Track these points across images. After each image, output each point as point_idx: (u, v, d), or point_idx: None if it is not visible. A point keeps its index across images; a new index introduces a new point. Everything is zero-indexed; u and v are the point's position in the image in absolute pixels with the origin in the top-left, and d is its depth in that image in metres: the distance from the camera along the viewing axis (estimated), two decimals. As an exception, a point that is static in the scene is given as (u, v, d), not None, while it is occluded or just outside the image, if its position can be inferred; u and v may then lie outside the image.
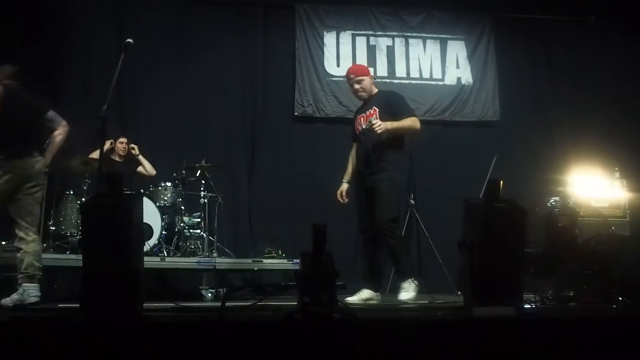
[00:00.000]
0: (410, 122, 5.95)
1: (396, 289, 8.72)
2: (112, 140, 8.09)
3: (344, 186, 6.38)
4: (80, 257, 3.62)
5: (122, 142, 8.24)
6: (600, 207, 7.08)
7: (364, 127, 6.06)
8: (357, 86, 6.12)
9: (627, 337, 3.52)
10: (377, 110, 5.97)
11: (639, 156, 8.90)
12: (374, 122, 5.77)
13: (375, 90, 6.22)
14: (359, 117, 6.25)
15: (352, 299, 5.81)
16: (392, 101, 6.06)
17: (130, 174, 7.92)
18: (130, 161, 8.22)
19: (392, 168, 6.00)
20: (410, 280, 5.97)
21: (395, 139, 5.98)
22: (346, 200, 6.35)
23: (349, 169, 6.43)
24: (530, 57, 10.28)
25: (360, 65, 6.23)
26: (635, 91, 9.97)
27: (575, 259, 5.38)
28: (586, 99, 9.83)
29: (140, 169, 8.19)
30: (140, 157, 8.18)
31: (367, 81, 6.15)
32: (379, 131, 5.75)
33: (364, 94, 6.16)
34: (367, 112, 6.05)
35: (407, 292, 5.90)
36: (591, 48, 10.00)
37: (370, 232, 6.10)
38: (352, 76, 6.20)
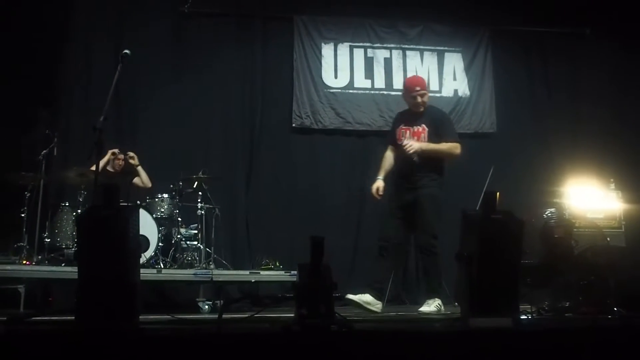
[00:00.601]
0: (449, 147, 6.00)
1: (395, 300, 8.80)
2: (114, 151, 8.06)
3: (380, 183, 6.33)
4: (75, 269, 3.62)
5: (114, 154, 8.17)
6: (596, 219, 7.10)
7: (404, 142, 6.07)
8: (420, 100, 6.12)
9: (624, 347, 3.52)
10: (427, 130, 6.02)
11: (634, 168, 8.92)
12: (405, 143, 5.89)
13: (427, 105, 6.22)
14: (403, 127, 6.25)
15: (352, 297, 5.78)
16: (442, 123, 6.09)
17: (126, 185, 7.88)
18: (127, 172, 8.19)
19: (434, 184, 6.04)
20: (437, 299, 5.93)
21: (433, 159, 5.98)
22: (381, 195, 6.29)
23: (385, 166, 6.40)
24: (527, 69, 10.30)
25: (422, 78, 6.22)
26: (631, 103, 10.01)
27: (572, 270, 5.40)
28: (583, 111, 9.86)
29: (136, 180, 8.14)
30: (139, 168, 8.15)
31: (427, 96, 6.18)
32: (410, 151, 5.82)
33: (422, 108, 6.14)
34: (415, 129, 6.11)
35: (429, 307, 5.91)
36: (588, 60, 10.03)
37: (394, 242, 6.01)
38: (418, 88, 6.19)
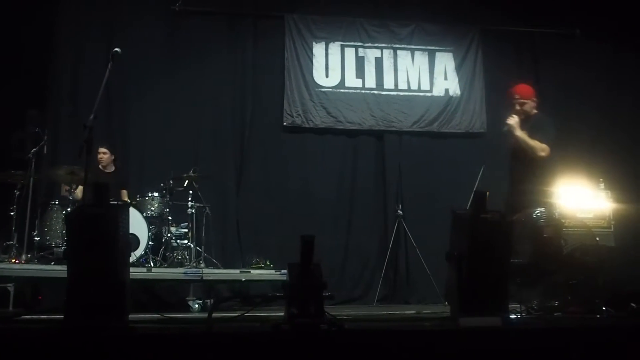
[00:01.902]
0: (537, 144, 5.89)
1: (385, 300, 8.83)
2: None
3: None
4: (65, 268, 3.61)
5: (103, 152, 8.12)
6: (585, 218, 7.12)
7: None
8: (518, 107, 6.11)
9: (612, 347, 3.54)
10: (526, 134, 6.01)
11: (624, 167, 8.98)
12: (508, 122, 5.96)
13: (534, 112, 6.18)
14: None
15: None
16: (540, 125, 6.06)
17: (117, 185, 7.85)
18: (117, 175, 8.14)
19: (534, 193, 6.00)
20: None
21: (545, 169, 5.97)
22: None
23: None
24: (518, 68, 10.32)
25: (528, 87, 6.21)
26: (620, 103, 10.07)
27: (561, 270, 5.42)
28: (573, 111, 9.89)
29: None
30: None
31: (529, 105, 6.12)
32: (506, 126, 5.96)
33: (522, 116, 6.15)
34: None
35: None
36: (578, 60, 10.07)
37: None
38: (517, 96, 6.16)
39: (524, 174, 5.92)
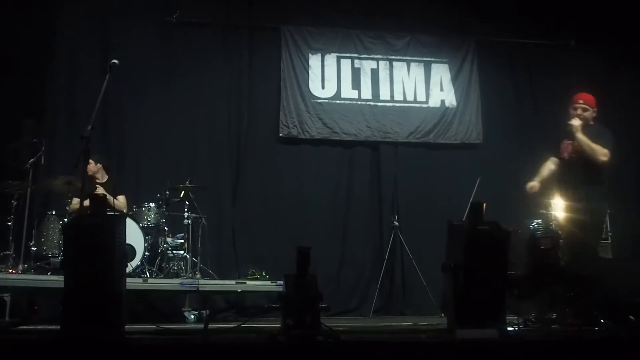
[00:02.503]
0: (599, 149, 5.95)
1: (381, 311, 8.81)
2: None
3: (535, 183, 6.34)
4: (61, 278, 3.60)
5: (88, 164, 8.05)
6: (582, 230, 7.12)
7: (567, 156, 6.18)
8: (579, 112, 6.15)
9: (610, 359, 3.54)
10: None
11: (620, 179, 8.98)
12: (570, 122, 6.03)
13: (591, 123, 6.22)
14: (566, 142, 6.27)
15: None
16: (601, 133, 6.12)
17: (112, 192, 7.81)
18: (111, 183, 8.10)
19: (599, 199, 6.00)
20: None
21: (596, 172, 6.02)
22: (533, 193, 6.35)
23: (542, 173, 6.41)
24: (513, 80, 10.37)
25: (591, 96, 6.31)
26: (615, 113, 10.08)
27: (558, 282, 5.41)
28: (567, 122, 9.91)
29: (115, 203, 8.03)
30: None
31: (590, 113, 6.19)
32: (570, 127, 6.00)
33: (582, 122, 6.18)
34: (577, 143, 6.11)
35: None
36: (572, 71, 10.09)
37: None
38: (581, 101, 6.23)
39: (581, 181, 5.99)
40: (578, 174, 6.02)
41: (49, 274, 6.96)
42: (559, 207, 6.21)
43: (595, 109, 6.21)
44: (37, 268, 7.16)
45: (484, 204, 4.15)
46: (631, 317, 5.05)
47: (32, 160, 7.50)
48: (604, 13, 9.76)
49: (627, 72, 9.89)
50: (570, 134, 6.05)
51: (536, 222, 6.89)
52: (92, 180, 7.76)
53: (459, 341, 3.72)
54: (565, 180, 6.15)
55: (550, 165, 6.40)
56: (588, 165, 5.96)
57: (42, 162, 7.69)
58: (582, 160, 5.99)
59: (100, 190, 7.68)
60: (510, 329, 4.40)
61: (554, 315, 5.43)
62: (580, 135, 5.97)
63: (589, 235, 5.88)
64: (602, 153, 5.92)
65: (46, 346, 3.25)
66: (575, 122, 6.02)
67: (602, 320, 5.01)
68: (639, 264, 5.76)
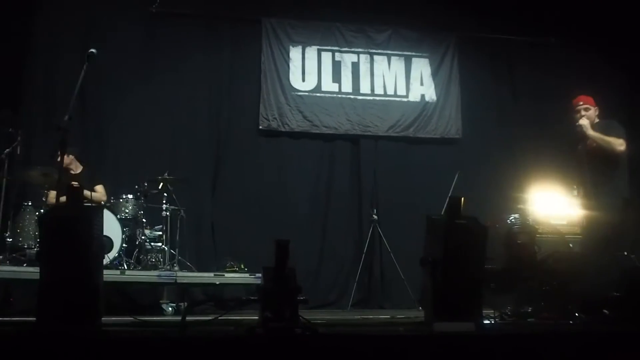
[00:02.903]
0: (613, 140, 6.06)
1: (360, 304, 8.83)
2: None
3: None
4: (37, 269, 3.57)
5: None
6: (558, 225, 7.20)
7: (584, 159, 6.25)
8: (583, 112, 6.29)
9: (584, 352, 3.57)
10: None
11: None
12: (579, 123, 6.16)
13: (597, 121, 6.33)
14: (580, 147, 6.35)
15: None
16: (609, 125, 6.22)
17: (88, 183, 7.74)
18: (85, 174, 8.03)
19: (614, 195, 6.02)
20: None
21: (621, 167, 6.11)
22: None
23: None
24: (493, 75, 10.43)
25: (589, 97, 6.40)
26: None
27: (534, 276, 5.46)
28: (547, 118, 9.98)
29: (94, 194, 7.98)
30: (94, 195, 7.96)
31: (592, 112, 6.32)
32: (578, 127, 6.15)
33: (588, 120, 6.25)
34: (589, 142, 6.20)
35: None
36: (552, 67, 10.17)
37: None
38: (581, 103, 6.36)
39: (603, 175, 6.08)
40: (595, 173, 6.12)
41: (24, 265, 6.89)
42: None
43: (596, 107, 6.38)
44: (13, 259, 7.09)
45: (463, 199, 4.17)
46: (605, 311, 5.10)
47: (7, 150, 7.42)
48: (585, 10, 9.82)
49: (606, 68, 9.96)
50: (581, 135, 6.19)
51: (513, 217, 6.95)
52: (66, 171, 7.69)
53: (437, 334, 3.74)
54: (588, 182, 6.22)
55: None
56: (605, 161, 6.07)
57: (18, 152, 7.60)
58: (597, 159, 6.09)
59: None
60: (486, 322, 4.43)
61: (530, 309, 5.48)
62: (592, 133, 6.11)
63: (609, 234, 5.91)
64: (618, 143, 6.05)
65: (21, 338, 3.22)
66: (584, 122, 6.17)
67: (576, 314, 5.06)
68: (612, 258, 5.81)
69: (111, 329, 3.67)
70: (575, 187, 7.58)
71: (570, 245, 6.49)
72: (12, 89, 8.41)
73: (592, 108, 6.33)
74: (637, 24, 9.43)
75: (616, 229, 5.90)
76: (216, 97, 9.37)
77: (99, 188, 7.90)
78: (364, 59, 9.87)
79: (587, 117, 6.26)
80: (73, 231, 3.51)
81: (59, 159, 5.05)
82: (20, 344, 3.09)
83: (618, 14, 9.63)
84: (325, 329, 4.10)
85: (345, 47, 9.83)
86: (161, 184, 7.91)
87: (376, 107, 9.73)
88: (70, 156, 7.81)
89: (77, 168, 7.99)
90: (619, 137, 6.07)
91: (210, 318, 4.42)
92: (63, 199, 3.93)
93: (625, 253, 5.88)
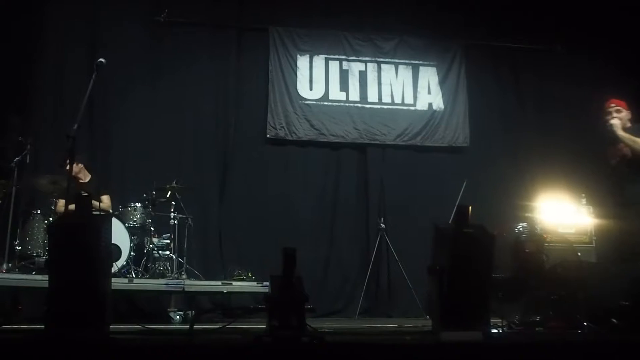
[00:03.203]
0: None
1: (367, 313, 8.82)
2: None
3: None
4: (46, 277, 3.58)
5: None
6: (566, 233, 7.18)
7: (614, 162, 6.23)
8: (614, 114, 6.25)
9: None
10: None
11: (606, 183, 9.03)
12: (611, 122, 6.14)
13: (629, 125, 6.27)
14: (611, 147, 6.31)
15: None
16: (639, 131, 6.16)
17: (95, 192, 7.76)
18: (94, 183, 8.05)
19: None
20: None
21: None
22: None
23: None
24: (500, 84, 10.42)
25: (622, 101, 6.39)
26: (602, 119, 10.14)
27: (542, 285, 5.44)
28: (554, 126, 9.98)
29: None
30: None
31: (625, 114, 6.27)
32: (610, 126, 6.11)
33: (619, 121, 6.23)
34: (619, 146, 6.17)
35: None
36: (559, 75, 10.17)
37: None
38: (613, 105, 6.33)
39: (631, 182, 6.05)
40: (635, 173, 6.07)
41: (33, 273, 6.92)
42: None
43: (628, 111, 6.31)
44: (22, 267, 7.12)
45: (470, 207, 4.16)
46: (613, 321, 5.07)
47: (17, 158, 7.46)
48: (590, 18, 9.82)
49: (613, 76, 9.93)
50: (611, 135, 6.14)
51: (521, 226, 6.92)
52: (75, 180, 7.73)
53: (444, 343, 3.73)
54: (618, 183, 6.20)
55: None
56: (637, 165, 6.02)
57: (28, 160, 7.64)
58: (629, 163, 6.06)
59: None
60: (494, 331, 4.42)
61: (538, 318, 5.45)
62: (622, 133, 6.07)
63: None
64: None
65: (30, 346, 3.23)
66: (615, 121, 6.13)
67: (585, 324, 5.04)
68: (622, 267, 5.78)
69: (119, 336, 3.67)
70: (583, 195, 7.59)
71: (579, 254, 6.45)
72: (20, 97, 8.46)
73: (624, 111, 6.27)
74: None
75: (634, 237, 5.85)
76: (223, 106, 9.39)
77: (105, 198, 7.94)
78: (371, 68, 9.88)
79: (619, 118, 6.23)
80: (81, 239, 3.52)
81: (68, 167, 5.08)
82: (29, 351, 3.10)
83: (624, 21, 9.62)
84: (332, 337, 4.10)
85: (352, 56, 9.85)
86: (169, 192, 7.94)
87: (383, 115, 9.74)
88: (80, 165, 7.85)
89: (85, 177, 8.03)
90: None
91: (218, 326, 4.43)
92: (72, 207, 3.94)
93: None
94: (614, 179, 6.29)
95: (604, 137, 6.32)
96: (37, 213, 7.48)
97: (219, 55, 9.51)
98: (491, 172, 9.46)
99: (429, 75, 10.06)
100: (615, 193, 6.24)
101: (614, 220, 6.17)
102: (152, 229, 7.80)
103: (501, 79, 10.43)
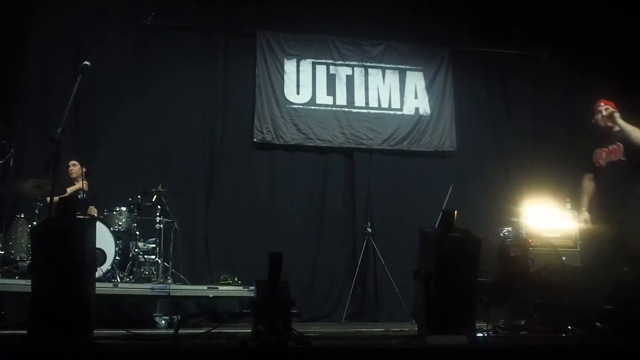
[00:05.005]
0: None
1: (354, 317, 8.81)
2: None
3: (587, 214, 6.35)
4: (29, 282, 3.56)
5: (73, 164, 8.08)
6: (552, 238, 7.21)
7: (603, 163, 6.23)
8: (604, 113, 6.26)
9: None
10: (622, 147, 6.10)
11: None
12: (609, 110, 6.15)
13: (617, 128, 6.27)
14: (598, 150, 6.32)
15: None
16: (635, 124, 6.16)
17: (88, 199, 7.74)
18: (89, 190, 8.02)
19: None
20: None
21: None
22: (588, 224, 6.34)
23: (586, 198, 6.43)
24: (487, 89, 10.46)
25: (611, 102, 6.39)
26: (587, 124, 10.21)
27: (527, 289, 5.46)
28: (540, 132, 10.04)
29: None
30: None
31: (616, 114, 6.23)
32: (609, 113, 6.13)
33: (609, 123, 6.23)
34: (611, 147, 6.18)
35: None
36: (546, 82, 10.24)
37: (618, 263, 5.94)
38: (603, 104, 6.34)
39: (629, 180, 6.05)
40: (621, 176, 6.08)
41: (16, 278, 6.87)
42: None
43: (616, 110, 6.31)
44: (5, 272, 7.07)
45: (456, 212, 4.17)
46: (597, 324, 5.10)
47: (0, 162, 7.41)
48: (577, 24, 9.89)
49: (599, 82, 10.00)
50: (606, 131, 6.16)
51: (506, 230, 6.94)
52: (69, 183, 7.73)
53: (430, 347, 3.74)
54: (606, 186, 6.20)
55: (589, 184, 6.46)
56: (631, 163, 6.04)
57: (11, 164, 7.59)
58: (622, 161, 6.07)
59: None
60: (479, 335, 4.43)
61: (523, 322, 5.47)
62: (621, 121, 6.07)
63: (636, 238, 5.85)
64: None
65: (13, 352, 3.20)
66: (611, 109, 6.16)
67: (569, 327, 5.06)
68: (606, 272, 5.81)
69: (104, 342, 3.65)
70: (568, 200, 7.62)
71: (564, 258, 6.48)
72: (5, 101, 8.41)
73: (611, 109, 6.29)
74: (630, 36, 9.48)
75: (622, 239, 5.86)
76: (210, 110, 9.37)
77: (92, 209, 7.92)
78: (358, 72, 9.90)
79: (606, 118, 6.24)
80: (65, 244, 3.50)
81: (70, 170, 5.06)
82: (12, 357, 3.07)
83: (609, 27, 9.69)
84: (319, 342, 4.09)
85: (339, 61, 9.86)
86: (155, 196, 7.91)
87: (370, 120, 9.75)
88: (83, 169, 7.87)
89: (78, 179, 8.02)
90: None
91: (204, 331, 4.41)
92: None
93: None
94: (600, 181, 6.31)
95: (592, 138, 6.34)
96: (20, 217, 7.45)
97: (206, 59, 9.49)
98: (477, 177, 9.51)
99: (416, 80, 10.09)
100: (601, 196, 6.26)
101: (599, 225, 6.19)
102: (137, 233, 7.78)
103: (487, 84, 10.48)
